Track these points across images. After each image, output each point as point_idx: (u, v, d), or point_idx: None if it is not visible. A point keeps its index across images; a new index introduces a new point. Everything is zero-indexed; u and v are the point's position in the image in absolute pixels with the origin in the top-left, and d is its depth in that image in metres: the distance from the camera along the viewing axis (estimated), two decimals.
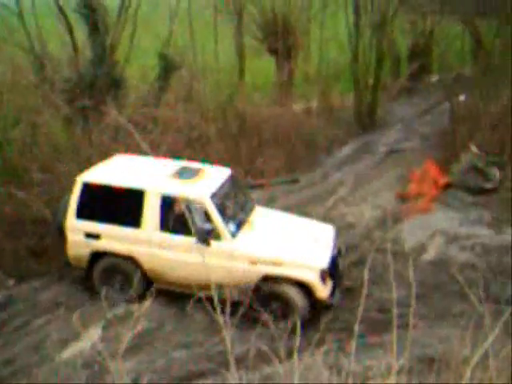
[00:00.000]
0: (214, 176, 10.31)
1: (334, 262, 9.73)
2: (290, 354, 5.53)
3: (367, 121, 20.03)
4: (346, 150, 18.15)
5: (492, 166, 14.20)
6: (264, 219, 10.45)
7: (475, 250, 11.84)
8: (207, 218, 9.35)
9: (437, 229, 12.66)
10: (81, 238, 9.87)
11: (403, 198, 14.11)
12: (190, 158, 11.75)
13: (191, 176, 10.04)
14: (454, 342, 6.00)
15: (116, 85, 14.44)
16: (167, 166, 10.47)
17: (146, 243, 9.62)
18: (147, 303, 7.36)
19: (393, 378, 4.52)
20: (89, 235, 9.83)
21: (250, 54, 20.95)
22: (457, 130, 15.71)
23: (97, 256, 9.95)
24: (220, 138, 15.85)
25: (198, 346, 8.98)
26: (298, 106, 19.69)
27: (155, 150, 11.85)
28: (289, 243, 9.81)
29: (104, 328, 9.11)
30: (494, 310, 6.19)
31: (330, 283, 9.53)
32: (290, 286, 9.23)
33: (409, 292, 5.46)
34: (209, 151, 14.59)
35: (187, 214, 9.29)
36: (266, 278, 9.30)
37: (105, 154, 11.32)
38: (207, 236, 9.21)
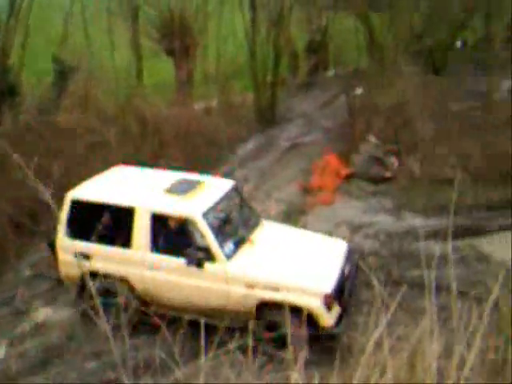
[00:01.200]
0: (213, 190, 9.57)
1: (342, 284, 8.79)
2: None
3: (268, 117, 20.19)
4: (249, 147, 18.24)
5: (390, 154, 14.69)
6: (268, 236, 9.58)
7: (378, 237, 12.20)
8: (200, 237, 8.71)
9: (341, 219, 12.95)
10: (71, 257, 9.19)
11: (306, 191, 14.34)
12: (91, 163, 11.48)
13: (187, 190, 9.29)
14: (358, 328, 6.13)
15: (10, 91, 13.94)
16: (165, 179, 9.75)
17: (138, 264, 8.99)
18: (54, 316, 7.11)
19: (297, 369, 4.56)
20: (79, 255, 9.18)
21: (150, 55, 20.73)
22: (355, 122, 16.10)
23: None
24: (120, 140, 15.59)
25: (109, 354, 8.80)
26: (198, 106, 19.67)
27: (54, 157, 11.51)
28: (291, 264, 8.88)
29: (10, 345, 8.79)
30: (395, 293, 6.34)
31: (336, 309, 8.53)
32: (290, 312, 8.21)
33: None
34: (109, 155, 14.32)
35: (179, 234, 8.75)
36: (265, 304, 8.49)
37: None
38: (198, 258, 8.56)
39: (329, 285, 8.44)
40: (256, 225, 9.78)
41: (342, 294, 8.71)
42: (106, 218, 8.70)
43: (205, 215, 8.77)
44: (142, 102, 17.10)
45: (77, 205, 9.22)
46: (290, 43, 23.84)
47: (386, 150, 14.78)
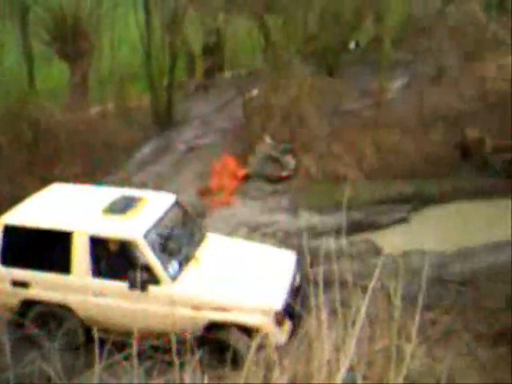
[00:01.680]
0: (154, 206, 9.07)
1: (292, 298, 8.40)
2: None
3: (165, 120, 20.00)
4: (146, 151, 18.02)
5: (286, 154, 14.88)
6: (214, 251, 9.17)
7: (277, 236, 12.34)
8: (142, 259, 8.26)
9: (240, 220, 13.02)
10: (7, 286, 8.76)
11: (205, 193, 14.31)
12: None
13: (126, 209, 8.79)
14: None
15: None
16: (103, 198, 9.21)
17: (79, 290, 8.53)
18: None
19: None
20: (16, 283, 8.73)
21: (42, 58, 20.14)
22: (251, 123, 16.22)
23: (28, 303, 8.81)
24: (14, 148, 15.09)
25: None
26: (94, 110, 19.27)
27: None
28: (239, 281, 8.48)
29: None
30: None
31: (287, 325, 8.20)
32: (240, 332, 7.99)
33: None
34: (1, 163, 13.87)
35: (121, 256, 8.35)
36: (214, 325, 8.14)
37: None
38: (141, 281, 8.05)
39: (278, 301, 8.12)
40: (201, 240, 9.37)
41: (293, 309, 8.11)
42: (42, 243, 8.50)
43: (146, 236, 8.36)
44: (35, 108, 16.58)
45: (10, 231, 8.71)
46: (185, 45, 23.71)
47: (283, 149, 14.95)
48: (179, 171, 16.09)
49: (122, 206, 8.89)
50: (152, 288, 8.21)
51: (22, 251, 8.72)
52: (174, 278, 8.31)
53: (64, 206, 9.23)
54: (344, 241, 11.95)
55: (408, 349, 5.30)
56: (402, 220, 13.56)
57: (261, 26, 24.29)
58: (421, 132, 15.12)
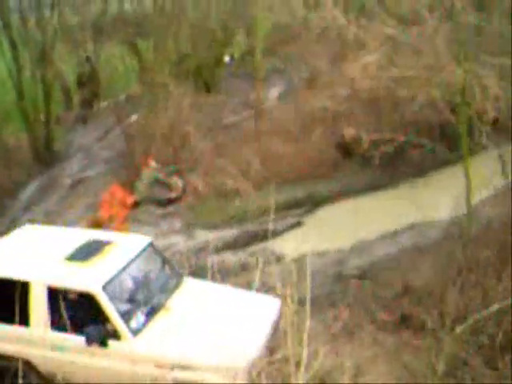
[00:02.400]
0: (121, 252, 8.29)
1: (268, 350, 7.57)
2: None
3: (46, 156, 19.44)
4: (30, 190, 17.46)
5: (172, 175, 14.82)
6: (188, 299, 8.27)
7: (175, 257, 12.23)
8: (102, 312, 7.52)
9: None
10: None
11: (96, 226, 13.99)
12: None
13: (90, 256, 8.06)
14: None
15: None
16: (72, 242, 8.46)
17: (38, 344, 7.80)
18: None
19: None
20: None
21: None
22: (134, 149, 16.06)
23: None
24: None
25: None
26: None
27: None
28: (210, 336, 7.55)
29: None
30: None
31: None
32: None
33: None
34: None
35: (80, 308, 7.61)
36: None
37: None
38: (100, 336, 7.41)
39: (248, 358, 7.21)
40: (176, 286, 8.49)
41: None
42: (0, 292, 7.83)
43: (105, 287, 7.62)
44: None
45: None
46: (59, 78, 23.20)
47: (169, 171, 14.89)
48: (68, 206, 15.68)
49: (85, 253, 8.18)
50: (112, 343, 7.48)
51: None
52: (136, 333, 7.55)
53: (27, 252, 8.57)
54: (243, 253, 12.16)
55: (304, 353, 5.37)
56: (297, 224, 13.78)
57: (133, 50, 24.15)
58: (302, 136, 15.46)
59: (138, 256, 8.36)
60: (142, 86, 20.95)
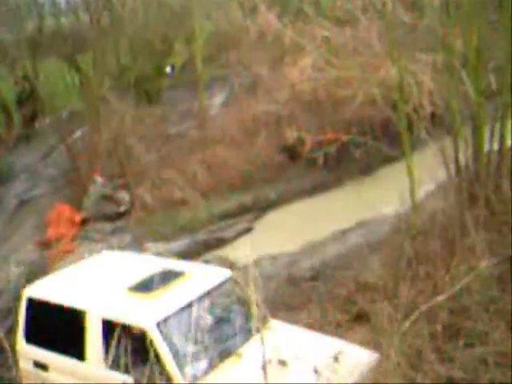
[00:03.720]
0: (193, 285, 7.28)
1: None
2: None
3: None
4: None
5: (119, 190, 14.72)
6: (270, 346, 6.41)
7: None
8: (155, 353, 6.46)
9: None
10: (30, 367, 7.52)
11: (45, 246, 13.81)
12: None
13: (155, 287, 7.15)
14: None
15: None
16: (142, 271, 7.63)
17: (93, 381, 7.02)
18: None
19: None
20: (38, 365, 7.44)
21: None
22: (78, 166, 15.91)
23: None
24: None
25: None
26: None
27: None
28: None
29: None
30: None
31: None
32: None
33: None
34: None
35: (136, 346, 6.62)
36: None
37: None
38: (149, 380, 6.39)
39: None
40: (258, 329, 6.49)
41: None
42: (61, 321, 7.21)
43: (161, 324, 6.69)
44: None
45: (33, 304, 7.57)
46: None
47: (115, 185, 14.78)
48: (14, 228, 15.42)
49: (151, 284, 7.27)
50: None
51: (44, 329, 7.47)
52: (192, 380, 6.54)
53: (94, 280, 7.92)
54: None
55: None
56: (248, 230, 13.82)
57: (72, 66, 23.88)
58: (247, 142, 15.52)
59: (210, 291, 7.28)
60: (83, 102, 20.77)
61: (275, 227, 13.72)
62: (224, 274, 7.66)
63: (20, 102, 24.46)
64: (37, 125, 24.23)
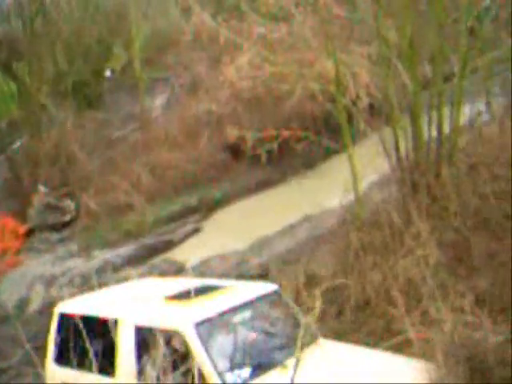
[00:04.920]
0: (234, 295, 6.91)
1: None
2: None
3: None
4: None
5: (64, 198, 14.53)
6: (317, 360, 6.26)
7: (74, 282, 11.96)
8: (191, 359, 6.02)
9: (33, 277, 12.46)
10: None
11: None
12: None
13: (197, 295, 6.71)
14: None
15: None
16: (182, 286, 7.18)
17: None
18: None
19: None
20: None
21: None
22: (20, 176, 15.63)
23: None
24: None
25: None
26: None
27: None
28: None
29: None
30: None
31: None
32: None
33: None
34: None
35: (171, 355, 5.81)
36: None
37: None
38: None
39: None
40: (304, 345, 5.96)
41: None
42: (91, 335, 6.26)
43: (200, 326, 6.24)
44: None
45: (63, 320, 7.22)
46: None
47: (59, 194, 14.58)
48: None
49: (190, 293, 6.83)
50: None
51: (75, 346, 6.77)
52: None
53: (129, 294, 7.65)
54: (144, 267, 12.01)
55: None
56: (196, 230, 13.78)
57: (8, 74, 23.38)
58: (189, 142, 15.47)
59: (252, 302, 6.96)
60: (22, 110, 20.39)
61: (222, 226, 13.70)
62: (269, 287, 7.38)
63: None
64: None
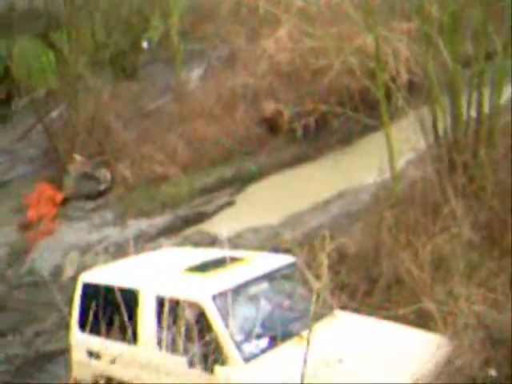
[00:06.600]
0: (252, 267, 7.14)
1: None
2: None
3: None
4: None
5: (99, 168, 14.64)
6: (332, 331, 6.59)
7: (109, 251, 12.12)
8: (209, 329, 6.32)
9: (68, 245, 12.66)
10: (84, 357, 7.42)
11: (26, 227, 13.73)
12: None
13: (213, 267, 7.08)
14: None
15: None
16: (201, 257, 7.57)
17: (145, 367, 6.74)
18: None
19: None
20: (91, 354, 7.33)
21: None
22: (57, 145, 15.80)
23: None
24: None
25: None
26: None
27: None
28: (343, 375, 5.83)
29: None
30: None
31: None
32: None
33: None
34: None
35: (188, 325, 6.18)
36: None
37: None
38: (204, 359, 6.22)
39: None
40: (320, 317, 6.51)
41: None
42: (113, 304, 6.64)
43: (217, 299, 6.47)
44: None
45: (88, 290, 7.52)
46: None
47: (95, 164, 14.70)
48: None
49: (208, 265, 7.22)
50: (219, 369, 6.24)
51: (98, 315, 6.90)
52: (249, 356, 6.32)
53: (150, 265, 7.90)
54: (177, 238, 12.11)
55: None
56: (229, 204, 13.81)
57: (47, 44, 23.55)
58: (225, 115, 15.44)
59: (270, 274, 7.15)
60: (60, 80, 20.53)
61: (256, 200, 13.71)
62: (286, 259, 7.52)
63: None
64: (13, 105, 23.95)
